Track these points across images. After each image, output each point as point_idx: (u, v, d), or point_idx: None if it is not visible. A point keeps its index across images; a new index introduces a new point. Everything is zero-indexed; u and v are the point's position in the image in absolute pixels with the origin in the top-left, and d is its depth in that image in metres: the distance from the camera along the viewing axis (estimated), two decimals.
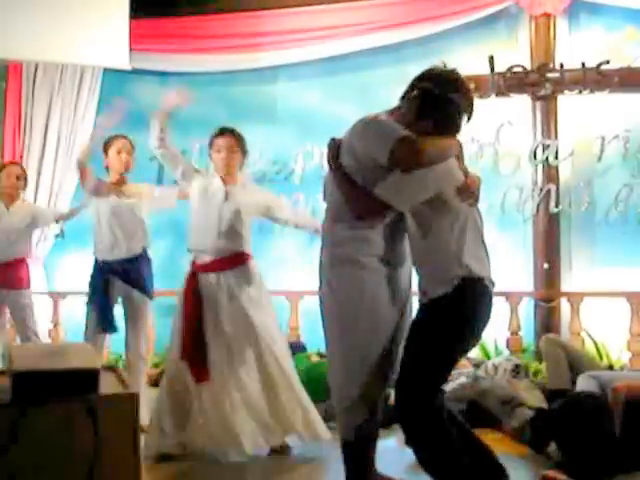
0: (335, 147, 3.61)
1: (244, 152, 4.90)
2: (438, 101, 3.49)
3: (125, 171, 5.47)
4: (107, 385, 2.63)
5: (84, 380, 2.47)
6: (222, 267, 4.70)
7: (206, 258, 4.72)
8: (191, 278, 4.75)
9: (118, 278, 5.36)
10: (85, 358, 2.58)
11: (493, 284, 3.55)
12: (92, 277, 5.44)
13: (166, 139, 4.85)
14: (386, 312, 3.54)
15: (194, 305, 4.68)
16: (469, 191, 3.55)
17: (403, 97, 3.61)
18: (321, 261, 3.67)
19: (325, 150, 3.70)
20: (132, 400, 2.57)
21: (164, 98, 4.98)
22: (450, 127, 3.51)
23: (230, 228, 4.71)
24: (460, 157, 3.60)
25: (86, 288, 5.49)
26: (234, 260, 4.74)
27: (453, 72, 3.57)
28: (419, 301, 3.59)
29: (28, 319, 5.87)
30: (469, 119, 3.55)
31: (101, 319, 5.30)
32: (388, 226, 3.54)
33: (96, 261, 5.46)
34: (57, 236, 7.61)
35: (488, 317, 3.53)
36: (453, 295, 3.41)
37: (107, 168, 5.48)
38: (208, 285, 4.69)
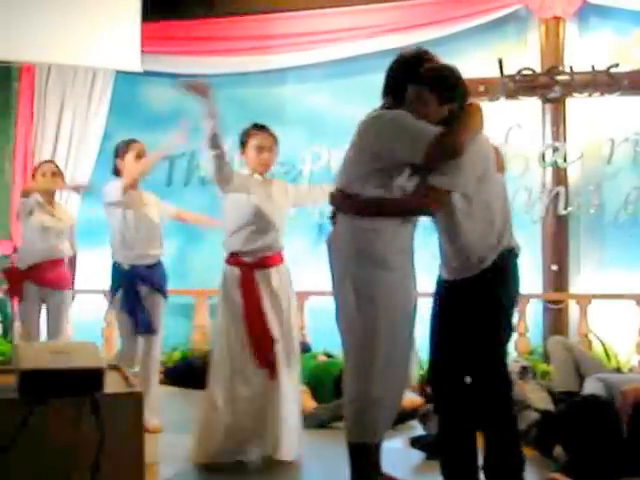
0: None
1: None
2: (452, 81, 3.59)
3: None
4: (112, 384, 2.66)
5: (89, 379, 2.50)
6: (270, 263, 4.67)
7: (255, 255, 4.64)
8: (245, 275, 4.64)
9: (143, 283, 5.34)
10: (90, 357, 2.60)
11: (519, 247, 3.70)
12: (119, 282, 5.38)
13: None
14: (410, 311, 3.59)
15: (256, 304, 4.62)
16: (502, 160, 3.72)
17: (388, 91, 3.66)
18: (338, 253, 3.61)
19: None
20: (137, 399, 2.60)
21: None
22: (467, 98, 3.61)
23: (276, 225, 4.68)
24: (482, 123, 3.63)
25: (94, 286, 5.51)
26: (278, 257, 4.73)
27: (428, 52, 3.72)
28: (446, 281, 3.65)
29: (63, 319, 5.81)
30: None
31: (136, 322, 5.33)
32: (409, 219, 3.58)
33: (119, 265, 5.40)
34: None
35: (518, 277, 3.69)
36: (494, 268, 3.53)
37: (118, 173, 5.40)
38: (263, 282, 4.64)
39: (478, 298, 3.56)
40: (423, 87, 3.54)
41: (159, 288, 5.41)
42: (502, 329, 3.63)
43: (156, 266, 5.43)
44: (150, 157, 5.35)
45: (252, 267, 4.65)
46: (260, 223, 4.63)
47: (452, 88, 3.56)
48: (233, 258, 4.69)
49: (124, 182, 5.25)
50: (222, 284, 4.73)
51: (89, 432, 2.47)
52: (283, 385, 4.56)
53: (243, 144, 4.78)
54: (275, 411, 4.53)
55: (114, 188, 5.27)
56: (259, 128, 4.79)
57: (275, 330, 4.61)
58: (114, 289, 5.38)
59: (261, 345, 4.58)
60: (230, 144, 7.09)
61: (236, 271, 4.67)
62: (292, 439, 4.55)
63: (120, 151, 5.38)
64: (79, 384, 2.48)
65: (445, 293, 3.68)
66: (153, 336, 5.35)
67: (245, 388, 4.58)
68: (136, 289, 5.29)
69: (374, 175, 3.49)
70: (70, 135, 7.71)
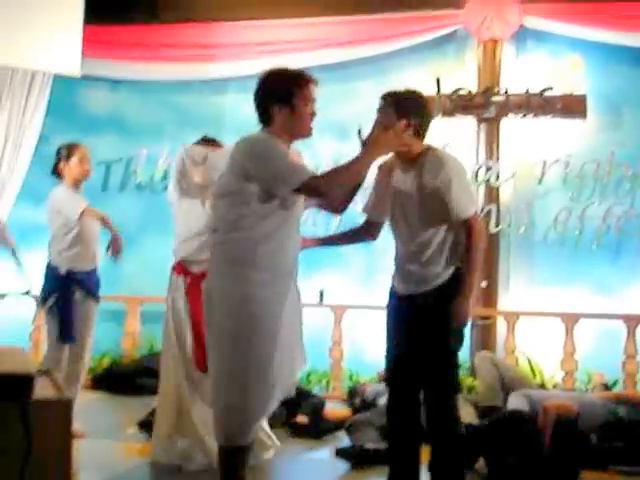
0: None
1: None
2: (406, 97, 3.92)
3: (85, 180, 5.48)
4: (42, 390, 2.65)
5: (18, 384, 2.49)
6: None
7: (202, 265, 4.54)
8: (192, 284, 4.69)
9: (80, 288, 5.32)
10: (20, 362, 2.60)
11: None
12: (54, 286, 5.34)
13: None
14: (272, 320, 3.58)
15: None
16: None
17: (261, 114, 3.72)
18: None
19: None
20: (66, 406, 2.60)
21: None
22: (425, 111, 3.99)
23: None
24: None
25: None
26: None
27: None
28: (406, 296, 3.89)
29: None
30: None
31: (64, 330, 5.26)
32: (276, 238, 3.60)
33: (56, 269, 5.36)
34: None
35: None
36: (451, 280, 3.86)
37: (58, 174, 5.45)
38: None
39: (438, 309, 3.81)
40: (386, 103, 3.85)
41: (94, 294, 5.40)
42: (456, 337, 3.90)
43: (93, 272, 5.43)
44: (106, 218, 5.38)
45: (200, 277, 4.56)
46: None
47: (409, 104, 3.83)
48: (180, 266, 4.76)
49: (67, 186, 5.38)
50: (168, 292, 4.83)
51: (17, 438, 2.46)
52: None
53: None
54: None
55: (68, 203, 5.33)
56: (208, 141, 4.92)
57: None
58: (47, 293, 5.34)
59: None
60: (168, 150, 7.19)
61: (181, 280, 4.75)
62: None
63: (63, 154, 5.41)
64: (8, 389, 2.48)
65: (405, 306, 3.90)
66: (81, 342, 5.33)
67: (195, 394, 4.67)
68: (72, 295, 5.27)
69: (253, 199, 3.54)
70: (5, 137, 7.62)
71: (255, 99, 3.72)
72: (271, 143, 3.59)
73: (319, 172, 3.74)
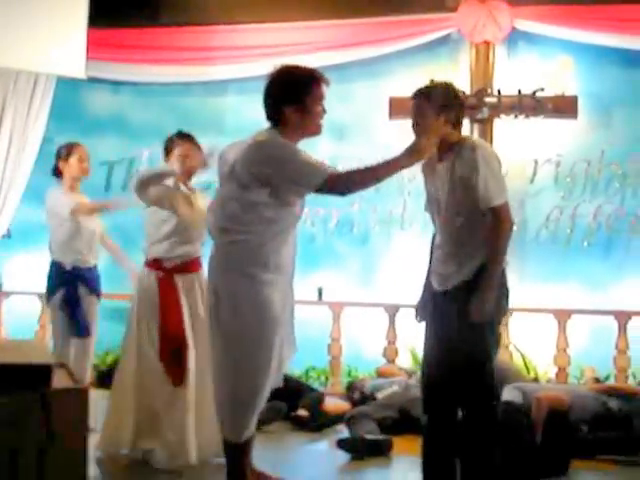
0: None
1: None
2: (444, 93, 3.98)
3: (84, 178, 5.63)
4: (58, 380, 2.78)
5: (38, 374, 2.63)
6: (189, 269, 4.80)
7: (175, 261, 4.79)
8: (166, 280, 4.77)
9: (84, 284, 5.47)
10: (39, 354, 2.73)
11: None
12: (59, 282, 5.47)
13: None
14: (276, 316, 3.72)
15: (174, 306, 4.74)
16: None
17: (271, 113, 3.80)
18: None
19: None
20: (82, 395, 2.73)
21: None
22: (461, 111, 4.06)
23: (199, 235, 4.78)
24: None
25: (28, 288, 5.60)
26: (197, 264, 4.85)
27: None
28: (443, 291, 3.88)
29: None
30: None
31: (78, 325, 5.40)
32: (281, 239, 3.73)
33: (60, 265, 5.50)
34: (4, 236, 7.67)
35: None
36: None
37: (59, 174, 5.59)
38: (183, 287, 4.77)
39: (461, 306, 3.76)
40: (421, 100, 3.85)
41: (96, 290, 5.54)
42: (484, 337, 3.82)
43: (94, 269, 5.57)
44: (102, 203, 5.69)
45: (172, 272, 4.78)
46: (184, 234, 4.79)
47: (446, 100, 3.86)
48: (154, 262, 4.84)
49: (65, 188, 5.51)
50: (139, 288, 4.87)
51: (37, 425, 2.58)
52: (190, 393, 4.63)
53: (167, 152, 4.90)
54: (178, 418, 4.61)
55: (60, 200, 5.45)
56: (184, 137, 4.89)
57: (189, 336, 4.70)
58: (52, 289, 5.45)
59: (171, 349, 4.68)
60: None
61: (155, 275, 4.81)
62: (197, 443, 4.63)
63: (63, 153, 5.54)
64: (28, 379, 2.60)
65: (436, 303, 3.93)
66: (88, 338, 5.47)
67: (147, 392, 4.70)
68: (77, 290, 5.39)
69: (265, 195, 3.65)
70: (10, 138, 7.68)
71: (266, 98, 3.76)
72: (288, 145, 3.66)
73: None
